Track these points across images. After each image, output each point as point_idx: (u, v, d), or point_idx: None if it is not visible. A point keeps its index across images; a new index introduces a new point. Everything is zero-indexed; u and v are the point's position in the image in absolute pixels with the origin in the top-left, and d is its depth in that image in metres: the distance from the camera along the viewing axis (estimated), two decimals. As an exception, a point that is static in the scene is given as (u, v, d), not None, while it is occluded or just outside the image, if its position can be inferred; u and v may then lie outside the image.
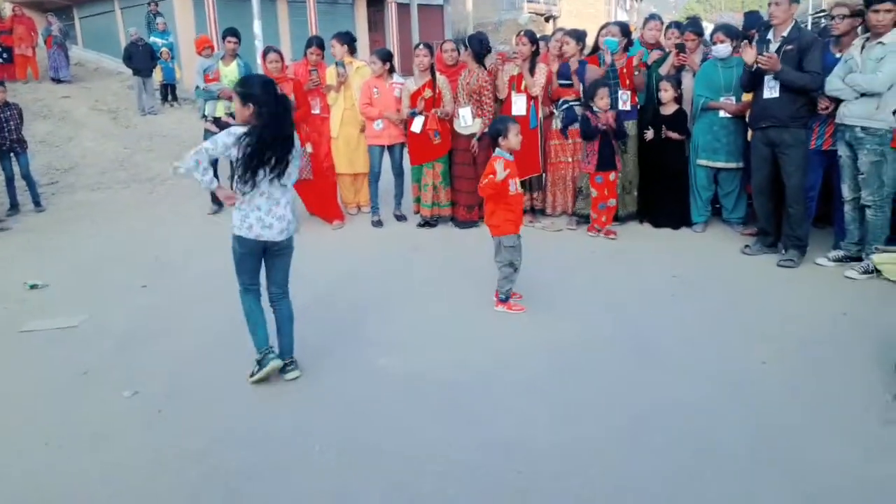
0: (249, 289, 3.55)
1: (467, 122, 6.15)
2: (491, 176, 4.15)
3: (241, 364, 3.72)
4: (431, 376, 3.58)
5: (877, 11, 4.51)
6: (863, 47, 4.66)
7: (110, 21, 19.89)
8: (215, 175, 3.39)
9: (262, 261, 3.55)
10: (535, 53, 6.14)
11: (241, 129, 3.31)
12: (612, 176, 5.80)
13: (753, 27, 5.95)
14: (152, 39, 14.17)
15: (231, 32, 7.29)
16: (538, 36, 6.55)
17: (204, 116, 7.19)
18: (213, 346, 4.07)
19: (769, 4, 4.94)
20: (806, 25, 15.98)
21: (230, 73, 7.10)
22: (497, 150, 4.29)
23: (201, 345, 4.09)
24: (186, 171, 3.24)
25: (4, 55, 14.84)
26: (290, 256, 3.62)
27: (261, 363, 3.53)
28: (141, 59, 13.36)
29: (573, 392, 3.37)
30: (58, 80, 15.07)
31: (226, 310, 4.55)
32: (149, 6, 15.68)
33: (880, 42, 4.54)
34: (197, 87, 7.28)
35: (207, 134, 6.99)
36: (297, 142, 3.50)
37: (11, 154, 7.87)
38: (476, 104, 6.13)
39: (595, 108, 5.62)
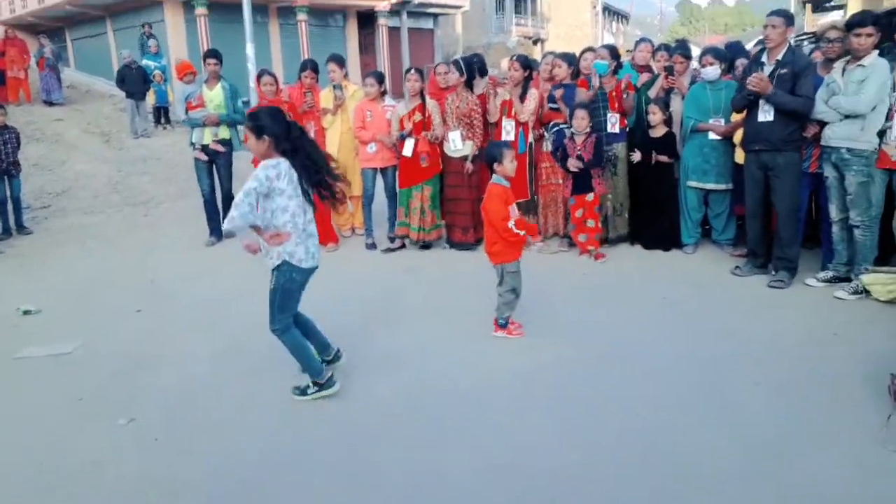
0: (289, 324, 3.58)
1: (457, 145, 6.22)
2: (509, 224, 4.15)
3: (239, 391, 3.73)
4: (428, 401, 3.59)
5: (858, 35, 4.62)
6: (844, 70, 4.76)
7: (103, 43, 20.00)
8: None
9: None
10: (528, 78, 6.22)
11: (278, 161, 3.34)
12: (588, 197, 5.86)
13: (737, 56, 6.05)
14: (145, 62, 14.23)
15: (211, 54, 6.96)
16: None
17: (192, 144, 7.01)
18: (209, 372, 4.07)
19: (765, 27, 5.00)
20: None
21: (215, 97, 6.84)
22: (494, 176, 4.30)
23: (198, 371, 4.09)
24: (242, 219, 3.22)
25: (-3, 78, 14.87)
26: None
27: (325, 386, 3.62)
28: (134, 81, 13.41)
29: (568, 415, 3.39)
30: (50, 103, 15.10)
31: (222, 336, 4.59)
32: (142, 28, 15.79)
33: (860, 65, 4.64)
34: (186, 117, 7.05)
35: (197, 162, 6.97)
36: None
37: (6, 177, 7.89)
38: (467, 127, 6.20)
39: (574, 130, 5.73)
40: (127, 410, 3.61)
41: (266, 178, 3.27)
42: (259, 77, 6.73)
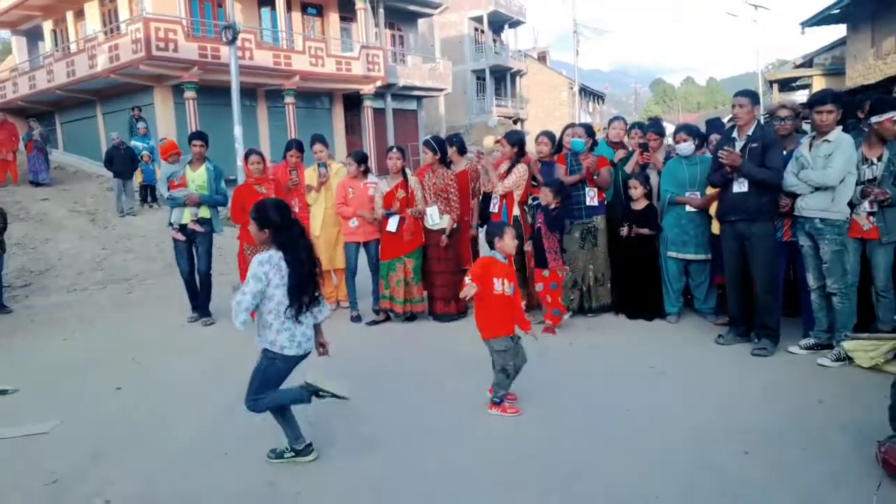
0: (263, 403, 3.59)
1: (434, 220, 6.38)
2: (465, 279, 4.21)
3: (219, 471, 3.64)
4: (418, 480, 3.52)
5: (819, 112, 4.85)
6: (811, 145, 4.97)
7: (92, 126, 20.36)
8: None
9: None
10: (520, 154, 6.39)
11: (271, 254, 3.47)
12: (545, 273, 5.93)
13: (715, 132, 6.30)
14: (133, 143, 14.49)
15: (197, 136, 6.98)
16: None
17: (170, 224, 6.92)
18: (188, 452, 3.97)
19: (733, 106, 5.24)
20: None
21: (198, 177, 6.84)
22: (492, 251, 4.35)
23: (176, 451, 3.99)
24: (249, 308, 3.41)
25: (-15, 160, 15.04)
26: None
27: (300, 453, 3.66)
28: (122, 161, 13.63)
29: (556, 495, 3.33)
30: (37, 184, 15.23)
31: (203, 414, 4.51)
32: (132, 111, 16.14)
33: (826, 140, 4.84)
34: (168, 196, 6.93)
35: (177, 243, 6.89)
36: None
37: (-12, 257, 7.88)
38: (444, 202, 6.36)
39: (542, 205, 5.90)
40: (103, 492, 3.50)
41: (264, 274, 3.43)
42: (247, 156, 6.87)
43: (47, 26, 22.94)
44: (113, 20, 19.65)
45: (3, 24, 24.68)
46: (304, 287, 3.50)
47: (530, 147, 6.69)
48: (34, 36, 24.43)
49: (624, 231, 6.09)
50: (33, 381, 5.44)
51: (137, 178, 14.49)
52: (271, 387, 3.59)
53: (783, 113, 5.52)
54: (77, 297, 8.92)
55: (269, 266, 3.44)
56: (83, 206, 14.01)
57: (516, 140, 6.41)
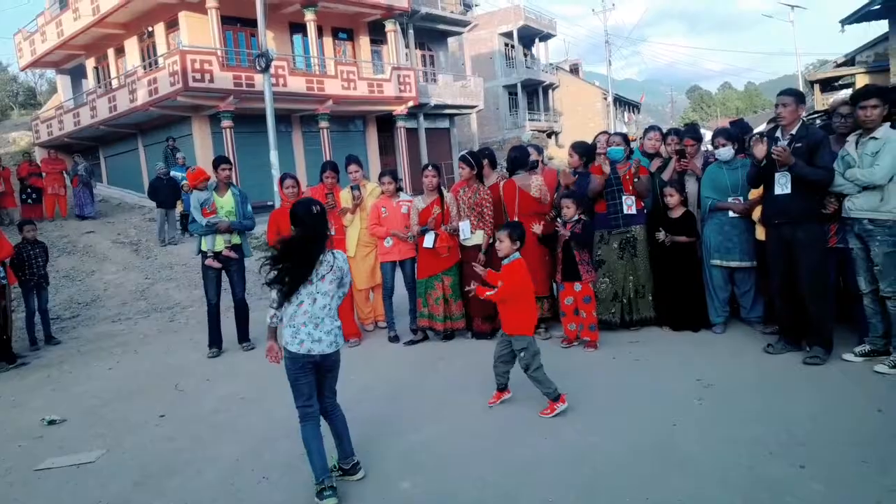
0: (308, 412, 3.59)
1: (465, 234, 6.30)
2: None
3: (260, 497, 3.61)
4: (455, 499, 3.45)
5: (864, 108, 4.67)
6: (857, 143, 4.78)
7: (134, 158, 20.93)
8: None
9: (315, 379, 3.63)
10: (588, 163, 6.44)
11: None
12: (576, 286, 5.81)
13: (744, 133, 6.11)
14: (173, 173, 14.82)
15: (223, 160, 6.93)
16: (542, 150, 6.80)
17: (202, 252, 6.86)
18: (230, 478, 3.97)
19: (776, 106, 5.10)
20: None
21: (226, 203, 6.84)
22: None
23: (218, 478, 3.99)
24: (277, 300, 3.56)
25: (34, 196, 15.59)
26: (338, 369, 3.76)
27: (319, 495, 3.46)
28: (165, 192, 13.95)
29: (604, 508, 3.23)
30: (83, 217, 15.70)
31: (245, 439, 4.51)
32: (167, 142, 16.54)
33: (873, 137, 4.66)
34: (193, 222, 6.88)
35: (208, 270, 6.86)
36: (335, 258, 3.67)
37: (35, 289, 8.10)
38: (477, 217, 6.30)
39: (562, 219, 5.81)
40: (147, 520, 3.51)
41: None
42: (282, 181, 6.94)
43: (90, 64, 23.75)
44: (151, 55, 20.24)
45: (49, 64, 25.65)
46: (292, 273, 3.52)
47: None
48: (78, 74, 25.30)
49: (660, 236, 5.94)
50: (80, 410, 5.54)
51: (178, 207, 14.81)
52: (300, 390, 3.58)
53: (844, 110, 5.28)
54: (121, 326, 9.10)
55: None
56: (126, 238, 14.36)
57: (582, 150, 6.45)
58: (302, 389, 3.58)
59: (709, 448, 3.75)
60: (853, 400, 4.24)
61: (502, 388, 4.73)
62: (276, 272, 3.51)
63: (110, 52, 22.38)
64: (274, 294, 3.54)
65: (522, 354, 4.44)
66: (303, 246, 3.56)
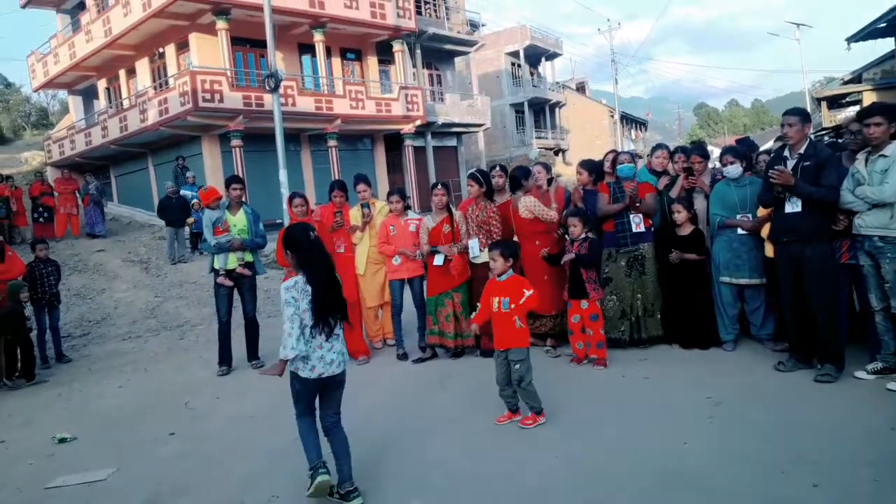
0: (306, 414, 3.71)
1: (475, 252, 6.33)
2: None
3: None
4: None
5: (868, 125, 4.68)
6: (867, 160, 4.79)
7: (144, 178, 21.12)
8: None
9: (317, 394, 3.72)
10: (597, 180, 6.45)
11: (296, 279, 3.61)
12: (583, 304, 5.78)
13: (750, 150, 6.12)
14: (183, 192, 14.94)
15: (235, 179, 7.07)
16: (550, 167, 6.83)
17: (214, 270, 6.89)
18: (239, 496, 3.97)
19: (782, 125, 5.11)
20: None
21: (238, 221, 6.90)
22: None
23: (227, 496, 3.99)
24: (295, 350, 3.51)
25: (45, 215, 15.74)
26: (343, 386, 3.80)
27: (312, 476, 3.59)
28: (175, 210, 14.05)
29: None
30: (93, 236, 15.83)
31: (255, 457, 4.51)
32: (177, 161, 16.70)
33: (882, 154, 4.66)
34: (204, 241, 6.91)
35: (220, 288, 6.88)
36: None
37: (46, 308, 8.16)
38: (485, 234, 6.32)
39: (570, 237, 5.83)
40: (158, 539, 3.51)
41: (292, 298, 3.56)
42: (291, 199, 6.98)
43: (101, 85, 24.06)
44: (162, 75, 20.49)
45: (61, 85, 26.03)
46: (327, 304, 3.59)
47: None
48: (89, 95, 25.64)
49: (673, 256, 5.93)
50: (91, 428, 5.56)
51: (189, 223, 14.89)
52: (302, 402, 3.67)
53: (854, 127, 5.28)
54: (132, 344, 9.13)
55: (296, 291, 3.56)
56: (137, 256, 14.45)
57: (591, 168, 6.48)
58: (303, 401, 3.70)
59: (720, 466, 3.72)
60: (866, 418, 4.20)
61: (514, 410, 4.71)
62: (319, 296, 3.55)
63: (122, 73, 22.68)
64: (296, 330, 3.51)
65: (518, 367, 4.48)
66: (328, 267, 3.66)
